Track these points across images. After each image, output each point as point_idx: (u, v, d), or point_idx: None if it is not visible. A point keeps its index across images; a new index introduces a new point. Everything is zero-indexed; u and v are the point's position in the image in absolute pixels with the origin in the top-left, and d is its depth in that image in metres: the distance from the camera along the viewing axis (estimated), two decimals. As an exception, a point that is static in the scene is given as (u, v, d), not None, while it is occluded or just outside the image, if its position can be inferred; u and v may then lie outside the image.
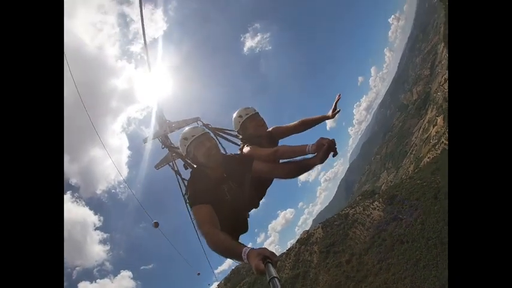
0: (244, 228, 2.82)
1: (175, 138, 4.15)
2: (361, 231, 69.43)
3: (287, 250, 78.24)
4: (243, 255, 1.65)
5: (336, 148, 2.25)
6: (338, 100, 3.07)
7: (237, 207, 2.51)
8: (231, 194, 2.43)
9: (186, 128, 2.52)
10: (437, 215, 56.84)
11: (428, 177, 68.11)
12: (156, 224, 6.70)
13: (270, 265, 1.47)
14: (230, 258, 1.90)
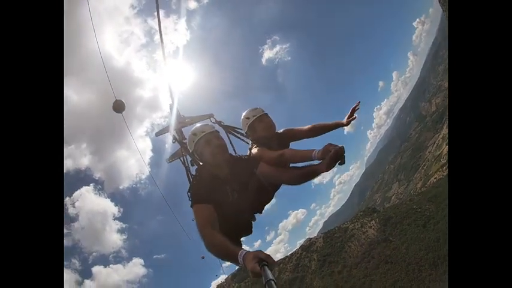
0: (247, 231, 2.76)
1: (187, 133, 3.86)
2: (355, 246, 76.58)
3: (290, 254, 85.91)
4: (239, 258, 1.66)
5: (343, 156, 2.16)
6: (356, 107, 2.96)
7: (239, 210, 2.43)
8: (234, 195, 2.37)
9: (197, 124, 2.52)
10: (421, 243, 62.09)
11: (424, 204, 72.76)
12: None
13: (266, 268, 1.46)
14: (227, 260, 1.92)
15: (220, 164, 2.35)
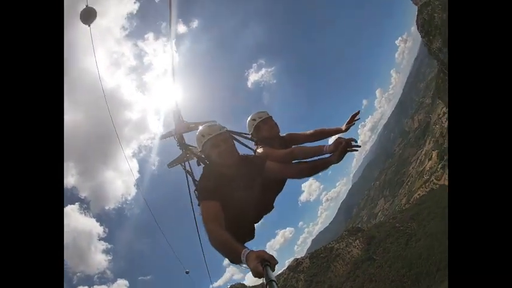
0: (250, 235, 2.79)
1: (189, 138, 4.11)
2: (341, 265, 76.97)
3: (277, 275, 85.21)
4: (242, 256, 1.65)
5: (353, 145, 2.29)
6: (355, 115, 3.10)
7: (245, 208, 2.47)
8: (241, 193, 2.38)
9: (204, 126, 2.51)
10: (404, 260, 62.73)
11: (406, 222, 73.82)
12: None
13: (269, 268, 1.46)
14: (229, 257, 1.93)
15: (227, 165, 2.36)
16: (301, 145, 3.14)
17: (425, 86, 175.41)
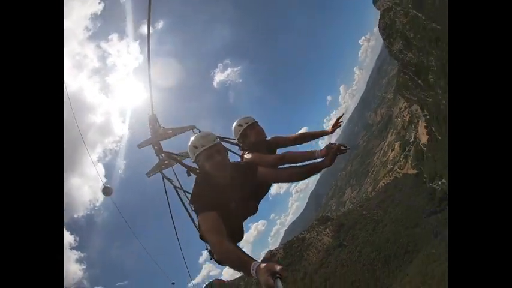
0: (240, 236, 2.81)
1: (167, 145, 4.06)
2: (313, 253, 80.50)
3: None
4: (251, 270, 1.63)
5: (344, 147, 2.38)
6: (340, 118, 3.18)
7: (240, 215, 2.55)
8: (236, 201, 2.40)
9: (196, 135, 2.45)
10: (372, 245, 66.48)
11: (372, 209, 77.95)
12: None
13: (279, 280, 1.47)
14: (237, 270, 1.88)
15: (222, 176, 2.34)
16: (291, 150, 2.91)
17: (387, 82, 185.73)
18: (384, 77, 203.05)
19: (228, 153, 2.50)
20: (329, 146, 2.38)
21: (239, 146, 3.26)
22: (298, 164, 2.47)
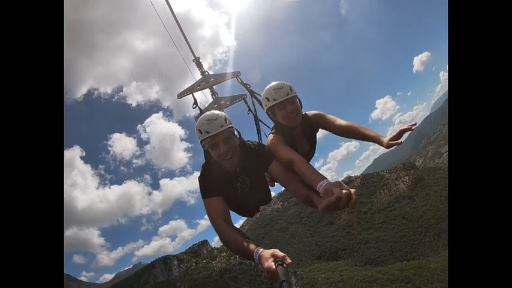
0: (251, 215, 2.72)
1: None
2: (385, 194, 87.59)
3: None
4: (254, 255, 1.61)
5: (354, 204, 1.55)
6: (407, 129, 2.26)
7: (247, 203, 2.43)
8: (243, 189, 2.29)
9: (201, 117, 2.13)
10: (437, 213, 63.76)
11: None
12: None
13: (282, 267, 1.43)
14: (240, 255, 1.82)
15: (228, 166, 2.16)
16: (305, 161, 2.15)
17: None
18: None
19: (237, 142, 2.19)
20: (328, 191, 1.64)
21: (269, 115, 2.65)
22: (305, 183, 1.96)
